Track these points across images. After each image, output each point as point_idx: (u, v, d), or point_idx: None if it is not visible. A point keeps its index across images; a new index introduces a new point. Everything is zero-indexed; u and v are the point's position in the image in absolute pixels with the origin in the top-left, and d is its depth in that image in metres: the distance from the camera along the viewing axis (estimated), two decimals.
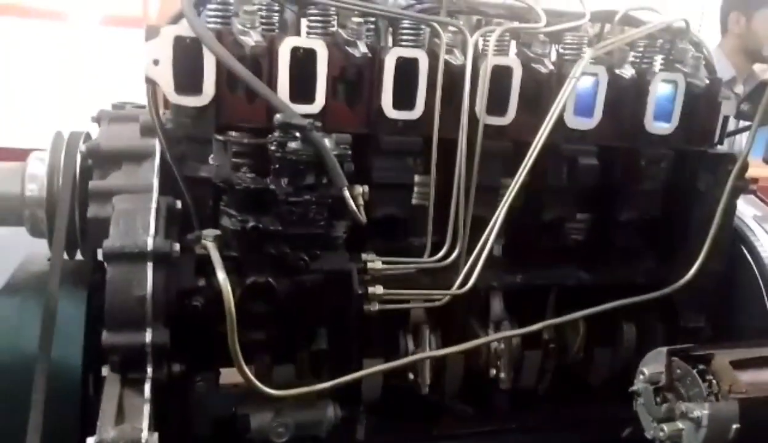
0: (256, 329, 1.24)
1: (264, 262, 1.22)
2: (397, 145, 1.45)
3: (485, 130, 1.47)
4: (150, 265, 1.11)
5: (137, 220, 1.16)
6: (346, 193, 1.19)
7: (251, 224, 1.18)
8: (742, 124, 1.78)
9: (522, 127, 1.52)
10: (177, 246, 1.14)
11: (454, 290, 1.44)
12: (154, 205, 1.21)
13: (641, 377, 1.34)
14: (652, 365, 1.34)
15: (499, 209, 1.46)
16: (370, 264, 1.37)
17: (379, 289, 1.35)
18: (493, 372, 1.59)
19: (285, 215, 1.21)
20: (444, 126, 1.45)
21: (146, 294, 1.10)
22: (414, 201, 1.51)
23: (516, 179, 1.47)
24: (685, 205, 1.73)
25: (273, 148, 1.19)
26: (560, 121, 1.51)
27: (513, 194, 1.46)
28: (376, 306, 1.36)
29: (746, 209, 1.88)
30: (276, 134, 1.18)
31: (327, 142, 1.21)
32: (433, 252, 1.49)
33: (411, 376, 1.50)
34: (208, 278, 1.17)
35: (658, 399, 1.31)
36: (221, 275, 1.11)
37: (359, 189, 1.28)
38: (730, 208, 1.67)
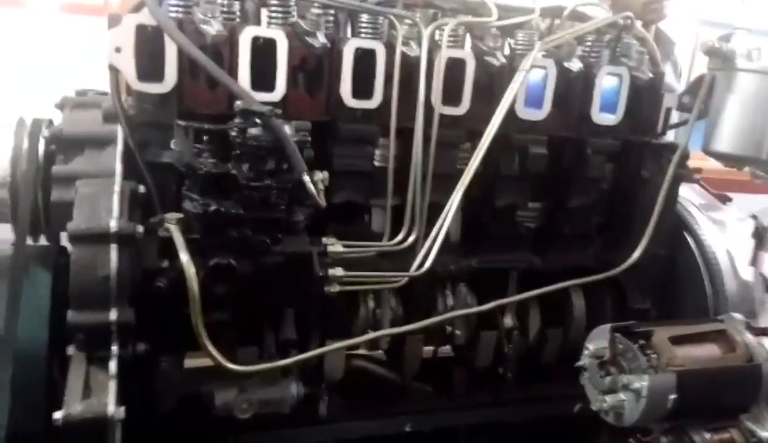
0: (219, 310, 1.28)
1: (226, 245, 1.26)
2: (355, 133, 1.51)
3: (441, 120, 1.54)
4: (114, 246, 1.14)
5: (100, 203, 1.19)
6: (306, 178, 1.24)
7: (213, 208, 1.22)
8: (683, 116, 1.88)
9: (476, 118, 1.59)
10: (140, 228, 1.18)
11: (411, 272, 1.50)
12: (117, 189, 1.24)
13: (586, 352, 1.43)
14: (597, 341, 1.43)
15: (453, 195, 1.53)
16: (330, 248, 1.42)
17: (339, 271, 1.41)
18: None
19: (246, 199, 1.25)
20: (401, 115, 1.52)
21: (110, 273, 1.13)
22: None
23: (469, 167, 1.53)
24: (631, 192, 1.82)
25: (234, 134, 1.23)
26: (512, 112, 1.59)
27: (467, 181, 1.53)
28: (336, 288, 1.41)
29: (691, 197, 2.00)
30: (237, 120, 1.22)
31: (287, 129, 1.25)
32: (392, 237, 1.55)
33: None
34: (171, 260, 1.20)
35: (602, 373, 1.40)
36: (184, 257, 1.15)
37: (319, 175, 1.33)
38: (672, 195, 1.77)
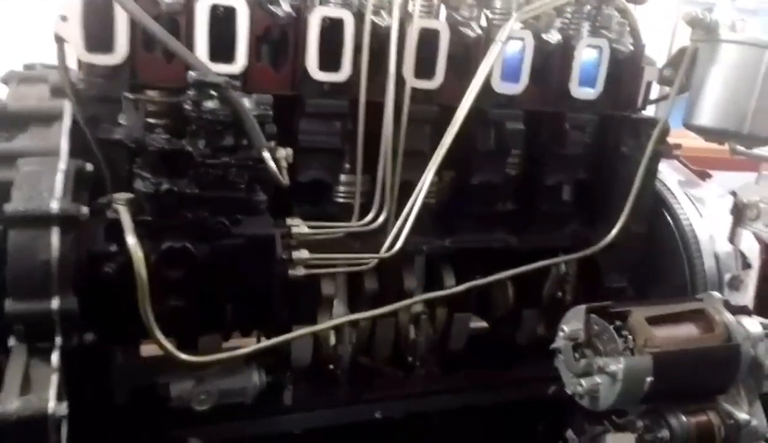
0: (175, 296, 1.21)
1: (180, 227, 1.18)
2: (323, 108, 1.43)
3: (413, 94, 1.46)
4: (56, 229, 1.06)
5: (42, 183, 1.10)
6: (266, 155, 1.16)
7: (165, 187, 1.14)
8: (663, 92, 1.82)
9: (450, 91, 1.52)
10: (85, 210, 1.09)
11: (382, 253, 1.43)
12: (61, 168, 1.15)
13: (561, 334, 1.38)
14: (572, 322, 1.38)
15: (426, 173, 1.46)
16: (294, 229, 1.35)
17: (304, 254, 1.34)
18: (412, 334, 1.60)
19: (202, 178, 1.17)
20: (371, 89, 1.44)
21: (51, 258, 1.05)
22: None
23: (443, 143, 1.46)
24: (610, 169, 1.77)
25: (188, 107, 1.14)
26: (487, 86, 1.52)
27: (440, 158, 1.46)
28: (301, 271, 1.34)
29: (670, 174, 1.95)
30: (190, 92, 1.14)
31: (246, 102, 1.17)
32: (361, 218, 1.48)
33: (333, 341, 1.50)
34: (120, 244, 1.12)
35: (577, 356, 1.35)
36: (131, 240, 1.07)
37: (282, 151, 1.25)
38: (651, 172, 1.72)
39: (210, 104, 1.14)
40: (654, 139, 1.63)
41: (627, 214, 1.63)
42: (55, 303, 1.05)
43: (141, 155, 1.18)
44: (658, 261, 1.84)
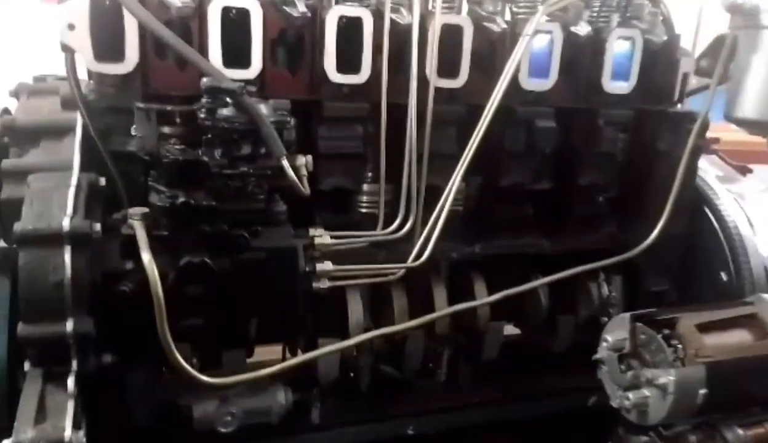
0: (195, 313, 1.15)
1: (198, 241, 1.12)
2: (342, 111, 1.36)
3: (436, 94, 1.39)
4: (68, 248, 1.01)
5: (53, 199, 1.05)
6: (285, 163, 1.10)
7: (181, 200, 1.08)
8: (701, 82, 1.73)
9: (475, 90, 1.44)
10: (98, 227, 1.04)
11: (409, 263, 1.36)
12: (73, 183, 1.10)
13: (605, 344, 1.29)
14: (616, 331, 1.29)
15: (454, 177, 1.38)
16: (317, 240, 1.28)
17: (328, 265, 1.27)
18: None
19: (220, 189, 1.11)
20: (393, 90, 1.37)
21: (64, 279, 0.99)
22: None
23: (470, 144, 1.39)
24: (646, 166, 1.68)
25: (202, 115, 1.09)
26: (515, 83, 1.44)
27: (468, 160, 1.38)
28: (325, 284, 1.27)
29: (709, 169, 1.85)
30: (204, 100, 1.08)
31: (263, 108, 1.11)
32: (387, 225, 1.41)
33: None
34: (136, 260, 1.07)
35: (623, 367, 1.26)
36: (146, 256, 1.01)
37: (302, 159, 1.19)
38: (692, 168, 1.62)
39: (225, 112, 1.09)
40: (695, 133, 1.54)
41: (668, 213, 1.54)
42: (69, 325, 1.00)
43: (155, 167, 1.13)
44: (700, 261, 1.75)
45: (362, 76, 1.34)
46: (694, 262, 1.75)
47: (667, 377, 1.19)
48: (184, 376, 1.03)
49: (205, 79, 1.08)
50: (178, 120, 1.13)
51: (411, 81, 1.34)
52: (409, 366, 1.55)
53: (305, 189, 1.15)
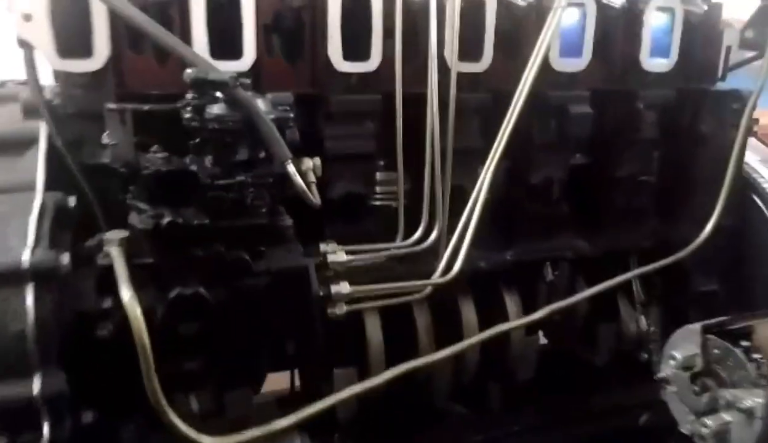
0: (190, 356, 0.96)
1: (191, 268, 0.93)
2: (351, 106, 1.17)
3: (457, 81, 1.21)
4: (30, 287, 0.81)
5: (11, 228, 0.86)
6: (291, 169, 0.91)
7: (167, 219, 0.89)
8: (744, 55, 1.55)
9: (499, 75, 1.26)
10: (66, 258, 0.85)
11: (436, 278, 1.17)
12: (36, 205, 0.91)
13: (672, 362, 1.11)
14: (684, 346, 1.11)
15: (483, 174, 1.20)
16: (331, 257, 1.09)
17: (344, 288, 1.08)
18: None
19: (213, 204, 0.92)
20: (407, 78, 1.18)
21: (26, 327, 0.80)
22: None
23: (500, 136, 1.20)
24: (686, 152, 1.51)
25: (188, 115, 0.89)
26: (545, 64, 1.26)
27: (498, 155, 1.20)
28: (342, 309, 1.09)
29: (749, 153, 1.67)
30: (189, 96, 0.89)
31: (260, 104, 0.92)
32: (407, 235, 1.22)
33: None
34: (115, 297, 0.87)
35: (697, 388, 1.08)
36: (127, 292, 0.82)
37: (309, 162, 1.00)
38: (742, 154, 1.44)
39: (215, 109, 0.90)
40: (747, 114, 1.36)
41: (722, 205, 1.36)
42: (36, 384, 0.81)
43: (134, 181, 0.93)
44: (752, 256, 1.57)
45: (372, 64, 1.16)
46: (744, 258, 1.57)
47: (753, 399, 1.01)
48: (180, 438, 0.84)
49: (189, 70, 0.88)
50: (158, 123, 0.94)
51: (431, 64, 1.16)
52: (438, 398, 1.36)
53: (315, 198, 0.96)
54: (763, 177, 1.58)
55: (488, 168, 1.19)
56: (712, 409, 1.06)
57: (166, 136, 0.94)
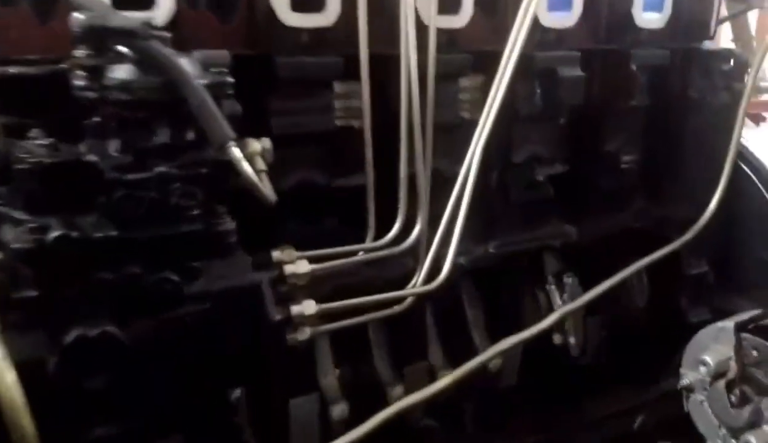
0: (100, 419, 0.69)
1: (94, 300, 0.66)
2: (303, 70, 0.91)
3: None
4: None
5: None
6: (236, 153, 0.65)
7: (56, 233, 0.62)
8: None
9: (478, 33, 1.04)
10: None
11: (419, 286, 0.94)
12: None
13: (702, 368, 0.93)
14: (714, 348, 0.94)
15: (470, 155, 0.97)
16: (288, 268, 0.84)
17: (308, 307, 0.83)
18: None
19: (123, 208, 0.65)
20: (375, 35, 0.93)
21: None
22: None
23: (489, 107, 0.98)
24: (674, 121, 1.35)
25: (80, 82, 0.62)
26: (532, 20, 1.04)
27: (487, 131, 0.97)
28: (305, 333, 0.84)
29: None
30: (81, 54, 0.61)
31: (186, 64, 0.65)
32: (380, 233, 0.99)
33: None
34: None
35: (734, 399, 0.91)
36: None
37: (257, 145, 0.74)
38: (742, 123, 1.29)
39: (120, 72, 0.62)
40: (753, 77, 1.20)
41: (725, 183, 1.21)
42: None
43: (5, 182, 0.65)
44: (742, 233, 1.44)
45: (329, 17, 0.91)
46: (734, 235, 1.44)
47: None
48: None
49: (77, 15, 0.60)
50: (38, 96, 0.66)
51: (405, 20, 0.91)
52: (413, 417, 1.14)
53: (269, 191, 0.71)
54: (751, 148, 1.44)
55: (475, 148, 0.97)
56: (754, 424, 0.90)
57: (50, 115, 0.67)
